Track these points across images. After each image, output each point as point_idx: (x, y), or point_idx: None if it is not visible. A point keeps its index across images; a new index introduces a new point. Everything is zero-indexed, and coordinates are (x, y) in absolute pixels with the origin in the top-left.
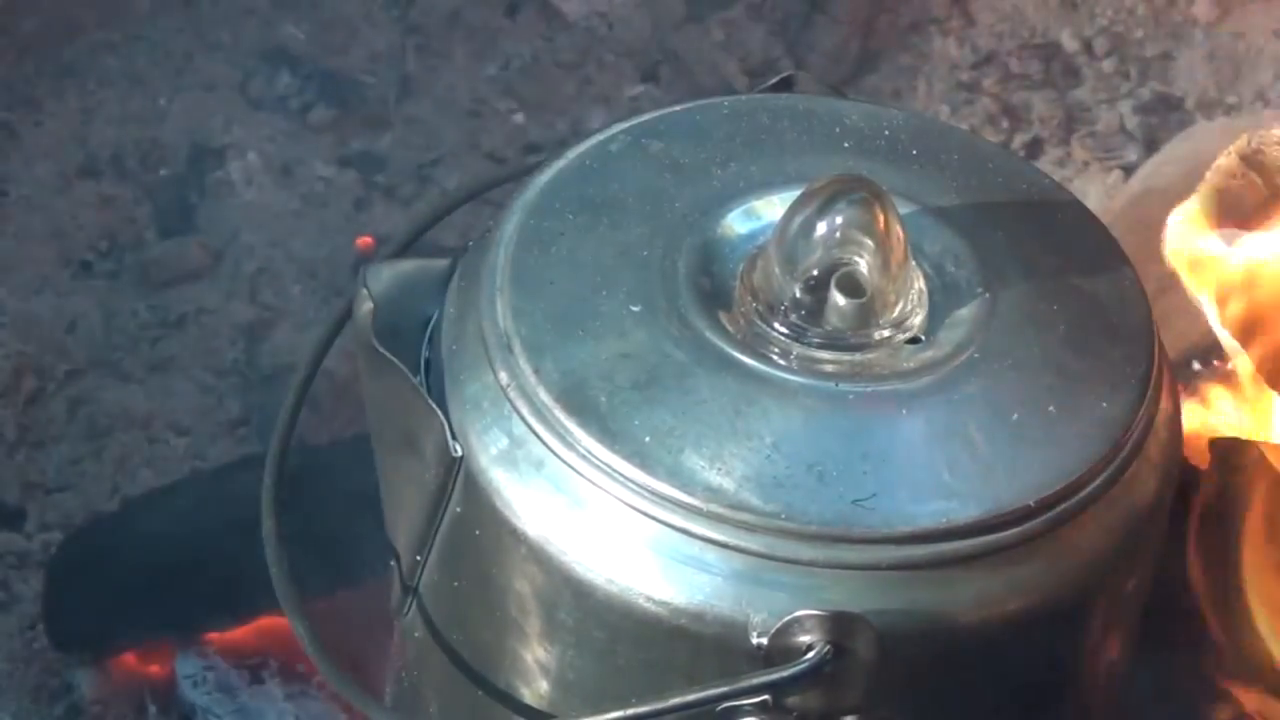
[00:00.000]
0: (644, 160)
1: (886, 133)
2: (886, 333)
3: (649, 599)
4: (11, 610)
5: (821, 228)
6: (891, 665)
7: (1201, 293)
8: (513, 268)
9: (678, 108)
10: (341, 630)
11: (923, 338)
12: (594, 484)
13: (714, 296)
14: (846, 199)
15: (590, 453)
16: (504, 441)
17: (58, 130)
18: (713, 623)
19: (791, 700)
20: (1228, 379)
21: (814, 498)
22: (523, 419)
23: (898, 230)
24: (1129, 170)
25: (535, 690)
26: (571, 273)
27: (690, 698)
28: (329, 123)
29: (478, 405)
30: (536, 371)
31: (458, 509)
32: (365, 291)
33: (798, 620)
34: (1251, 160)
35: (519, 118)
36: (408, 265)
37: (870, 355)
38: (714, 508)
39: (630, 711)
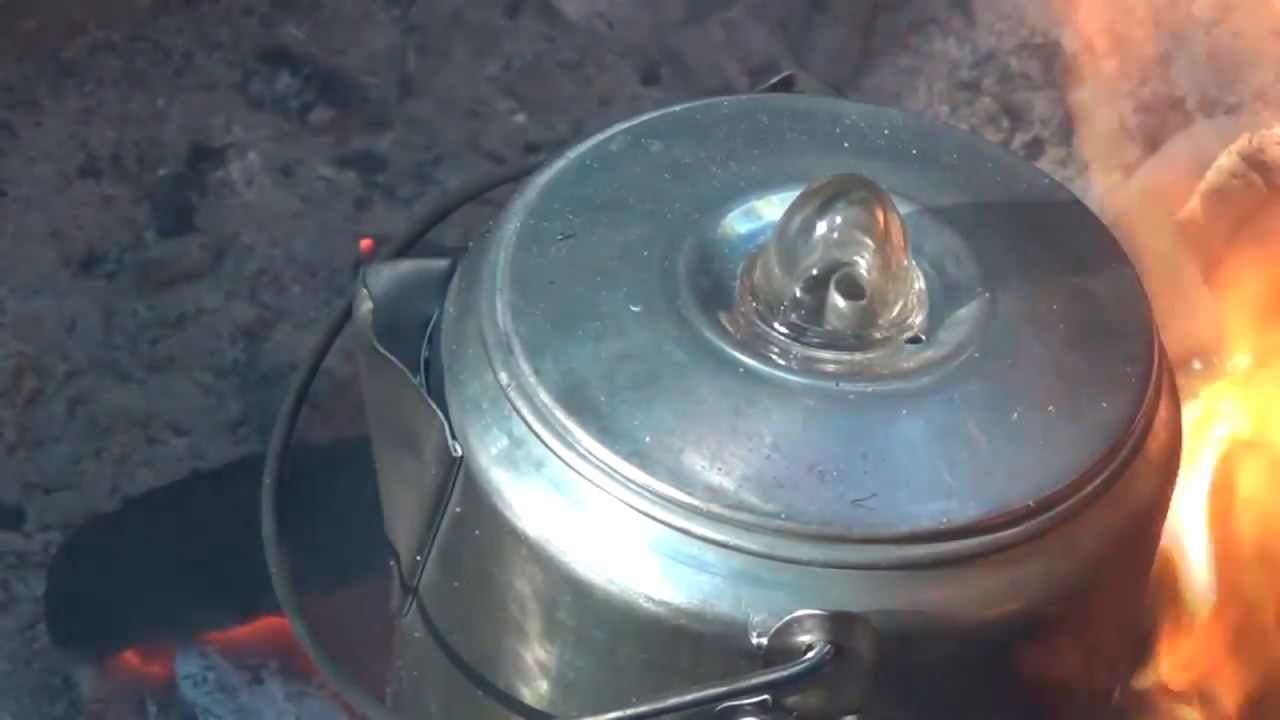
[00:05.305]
0: (644, 160)
1: (886, 133)
2: (886, 333)
3: (649, 599)
4: (11, 610)
5: (821, 227)
6: (891, 665)
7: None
8: (513, 268)
9: (678, 108)
10: (341, 630)
11: (923, 338)
12: (594, 484)
13: (714, 296)
14: (846, 199)
15: (590, 453)
16: (504, 441)
17: (58, 130)
18: (713, 623)
19: (791, 700)
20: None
21: (814, 498)
22: (523, 419)
23: (898, 230)
24: (1129, 170)
25: (535, 690)
26: (571, 273)
27: (690, 698)
28: (329, 123)
29: (478, 405)
30: (536, 371)
31: (458, 509)
32: (365, 291)
33: (798, 620)
34: (1252, 160)
35: (519, 118)
36: (408, 265)
37: (870, 355)
38: (714, 508)
39: (630, 711)
